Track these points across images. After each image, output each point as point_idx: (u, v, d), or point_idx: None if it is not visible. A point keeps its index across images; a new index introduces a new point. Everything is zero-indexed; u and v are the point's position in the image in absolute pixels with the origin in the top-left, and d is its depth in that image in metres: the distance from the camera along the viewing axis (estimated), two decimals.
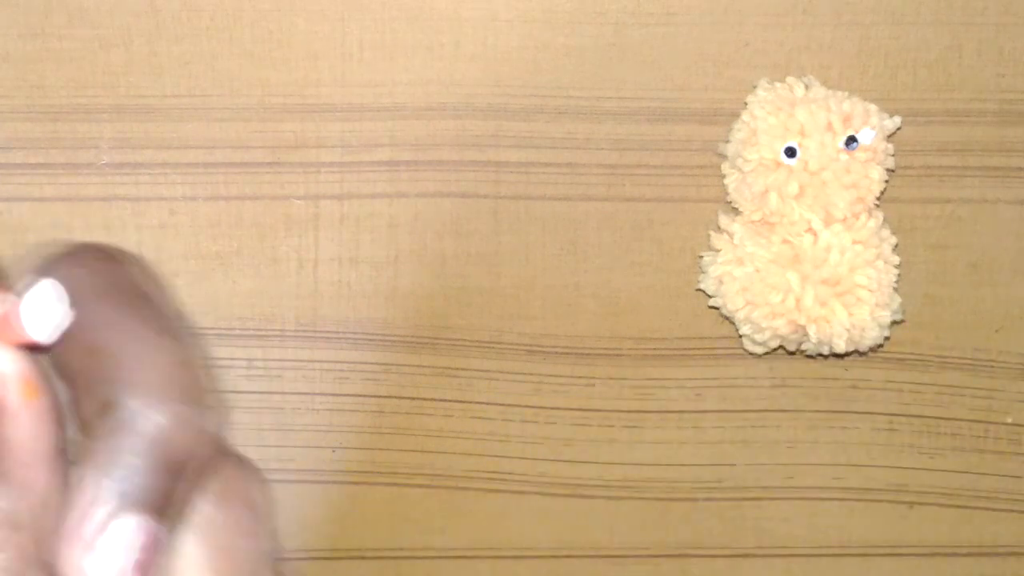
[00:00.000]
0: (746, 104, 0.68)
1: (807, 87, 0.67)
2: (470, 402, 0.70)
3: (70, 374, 0.36)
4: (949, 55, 0.69)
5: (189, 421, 0.36)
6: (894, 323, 0.68)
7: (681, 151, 0.69)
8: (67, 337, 0.35)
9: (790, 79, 0.67)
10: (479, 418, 0.70)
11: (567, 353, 0.70)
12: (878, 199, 0.67)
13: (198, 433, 0.36)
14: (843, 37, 0.68)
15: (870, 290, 0.67)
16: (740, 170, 0.67)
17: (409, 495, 0.70)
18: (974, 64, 0.69)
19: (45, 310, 0.34)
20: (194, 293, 0.69)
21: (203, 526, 0.36)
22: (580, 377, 0.70)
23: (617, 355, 0.70)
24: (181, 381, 0.36)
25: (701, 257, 0.69)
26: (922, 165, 0.70)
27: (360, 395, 0.70)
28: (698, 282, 0.69)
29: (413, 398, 0.70)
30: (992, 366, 0.71)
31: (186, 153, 0.68)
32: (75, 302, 0.35)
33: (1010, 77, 0.69)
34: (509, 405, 0.70)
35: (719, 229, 0.69)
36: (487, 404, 0.70)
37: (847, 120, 0.66)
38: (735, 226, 0.68)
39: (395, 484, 0.70)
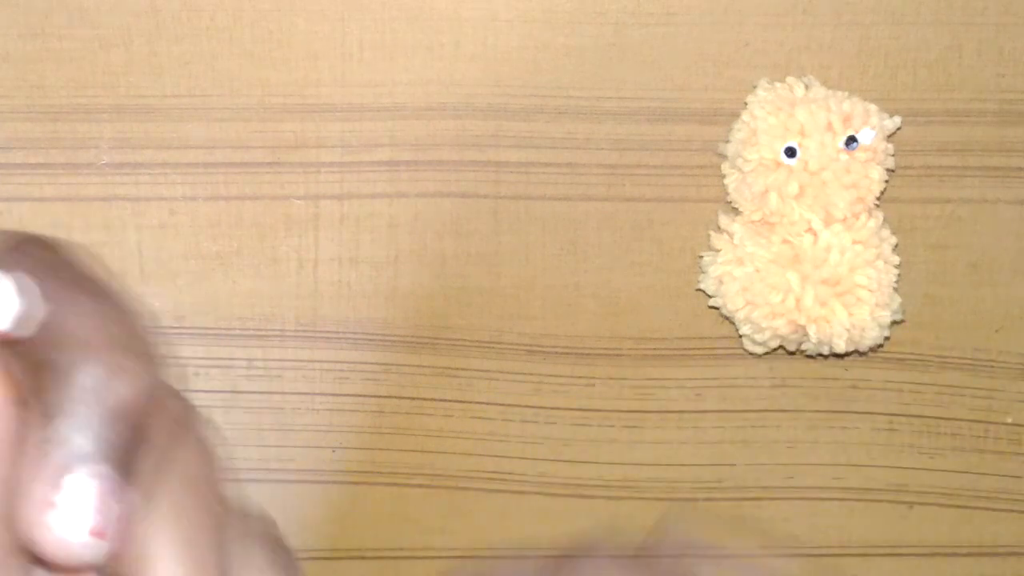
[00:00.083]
0: (746, 104, 0.68)
1: (807, 87, 0.67)
2: (470, 402, 0.70)
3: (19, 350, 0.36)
4: (949, 55, 0.69)
5: (135, 372, 0.36)
6: (894, 323, 0.68)
7: (681, 151, 0.69)
8: None
9: (790, 79, 0.67)
10: (479, 418, 0.70)
11: (567, 353, 0.70)
12: (878, 199, 0.67)
13: (145, 383, 0.37)
14: (843, 37, 0.68)
15: (870, 290, 0.67)
16: (740, 170, 0.67)
17: (409, 495, 0.70)
18: (974, 64, 0.69)
19: (9, 304, 0.35)
20: (194, 293, 0.69)
21: (164, 470, 0.37)
22: (580, 377, 0.70)
23: (617, 355, 0.70)
24: (122, 336, 0.37)
25: (701, 257, 0.69)
26: (922, 165, 0.70)
27: (360, 395, 0.70)
28: (698, 282, 0.69)
29: (413, 398, 0.70)
30: (992, 366, 0.71)
31: (186, 153, 0.68)
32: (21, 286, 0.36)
33: (1010, 77, 0.69)
34: (509, 405, 0.70)
35: (719, 229, 0.69)
36: (487, 404, 0.70)
37: (847, 120, 0.66)
38: (735, 226, 0.68)
39: (395, 484, 0.70)
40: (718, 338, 0.70)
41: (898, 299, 0.68)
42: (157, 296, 0.69)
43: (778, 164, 0.66)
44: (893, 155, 0.68)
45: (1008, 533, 0.72)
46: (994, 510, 0.72)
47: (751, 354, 0.70)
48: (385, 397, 0.70)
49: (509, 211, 0.69)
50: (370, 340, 0.69)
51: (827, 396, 0.71)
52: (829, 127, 0.66)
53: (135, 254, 0.68)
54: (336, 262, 0.69)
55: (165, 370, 0.39)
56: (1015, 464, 0.72)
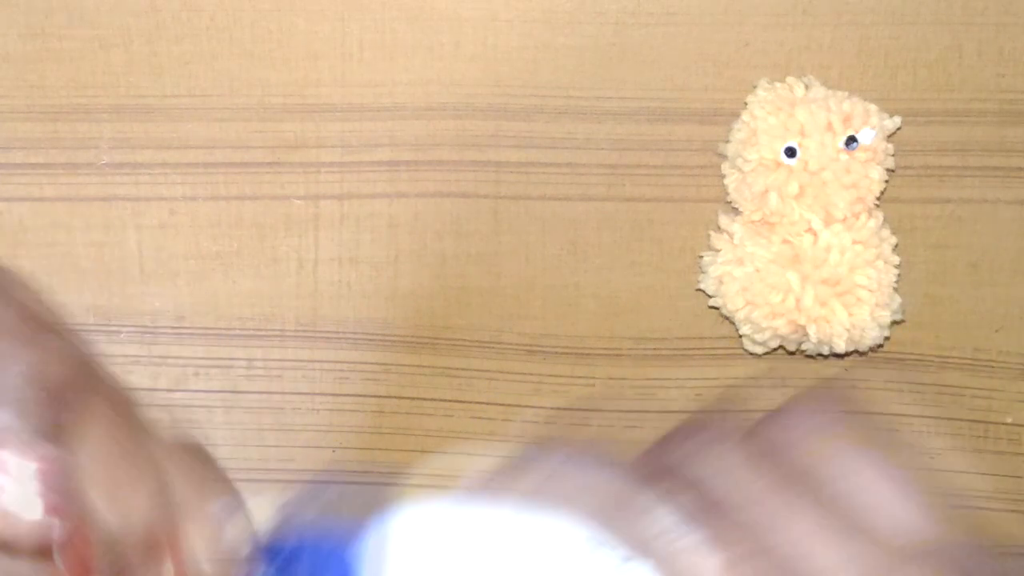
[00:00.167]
0: (746, 104, 0.68)
1: (807, 87, 0.67)
2: (470, 402, 0.70)
3: None
4: (949, 55, 0.69)
5: (58, 349, 0.37)
6: (894, 323, 0.68)
7: (681, 151, 0.69)
8: None
9: (790, 79, 0.67)
10: (479, 418, 0.70)
11: (567, 353, 0.70)
12: (878, 199, 0.67)
13: (69, 358, 0.37)
14: (843, 37, 0.68)
15: (870, 290, 0.67)
16: (740, 170, 0.67)
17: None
18: (974, 64, 0.69)
19: None
20: (194, 293, 0.69)
21: (97, 437, 0.38)
22: (580, 377, 0.70)
23: (617, 355, 0.70)
24: (39, 316, 0.38)
25: (701, 257, 0.69)
26: (922, 165, 0.70)
27: (360, 395, 0.70)
28: (698, 282, 0.69)
29: (413, 398, 0.70)
30: (992, 366, 0.71)
31: (186, 153, 0.68)
32: None
33: (1010, 77, 0.69)
34: (509, 405, 0.70)
35: (719, 229, 0.69)
36: (487, 404, 0.70)
37: (847, 120, 0.66)
38: (735, 226, 0.68)
39: (395, 484, 0.70)
40: (718, 338, 0.70)
41: (898, 299, 0.68)
42: (157, 296, 0.69)
43: (778, 164, 0.66)
44: (893, 155, 0.68)
45: (1008, 533, 0.72)
46: (994, 510, 0.72)
47: (751, 354, 0.70)
48: (385, 397, 0.70)
49: (509, 211, 0.69)
50: (370, 340, 0.69)
51: None
52: (829, 127, 0.66)
53: (135, 254, 0.68)
54: (336, 262, 0.69)
55: (85, 345, 0.39)
56: (1015, 464, 0.72)
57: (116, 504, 0.37)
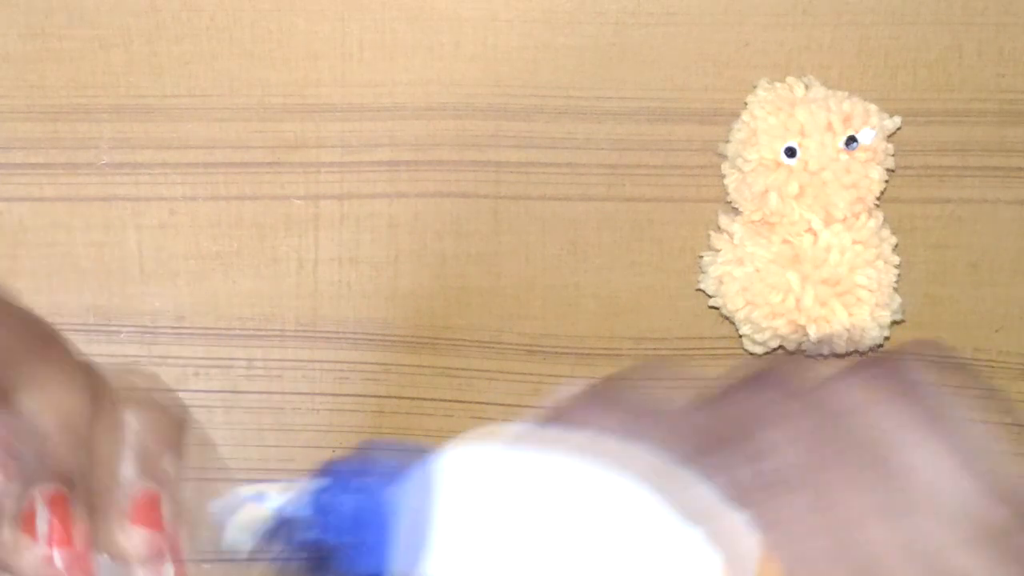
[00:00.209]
0: (746, 104, 0.68)
1: (807, 87, 0.67)
2: (470, 402, 0.70)
3: None
4: (949, 55, 0.69)
5: (64, 389, 0.38)
6: (894, 323, 0.68)
7: (681, 151, 0.69)
8: None
9: (790, 79, 0.67)
10: (479, 418, 0.70)
11: (567, 353, 0.70)
12: (878, 199, 0.67)
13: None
14: (843, 37, 0.68)
15: (870, 290, 0.67)
16: (740, 170, 0.67)
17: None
18: (974, 64, 0.69)
19: None
20: (194, 293, 0.69)
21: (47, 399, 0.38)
22: (580, 377, 0.70)
23: (617, 355, 0.70)
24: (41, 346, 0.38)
25: (701, 257, 0.69)
26: (922, 165, 0.70)
27: (360, 395, 0.70)
28: (698, 282, 0.69)
29: (413, 398, 0.70)
30: (992, 366, 0.71)
31: (186, 153, 0.68)
32: None
33: (1010, 77, 0.69)
34: (509, 405, 0.70)
35: (719, 229, 0.69)
36: (487, 404, 0.70)
37: (847, 120, 0.66)
38: (735, 226, 0.68)
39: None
40: (718, 338, 0.70)
41: (898, 299, 0.68)
42: (157, 296, 0.69)
43: (778, 164, 0.66)
44: (893, 155, 0.68)
45: None
46: None
47: (751, 354, 0.70)
48: (385, 397, 0.70)
49: (509, 211, 0.69)
50: (370, 340, 0.69)
51: None
52: (829, 127, 0.66)
53: (135, 254, 0.68)
54: (336, 262, 0.69)
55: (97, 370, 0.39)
56: (1015, 464, 0.72)
57: (73, 458, 0.38)
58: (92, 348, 0.43)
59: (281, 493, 0.39)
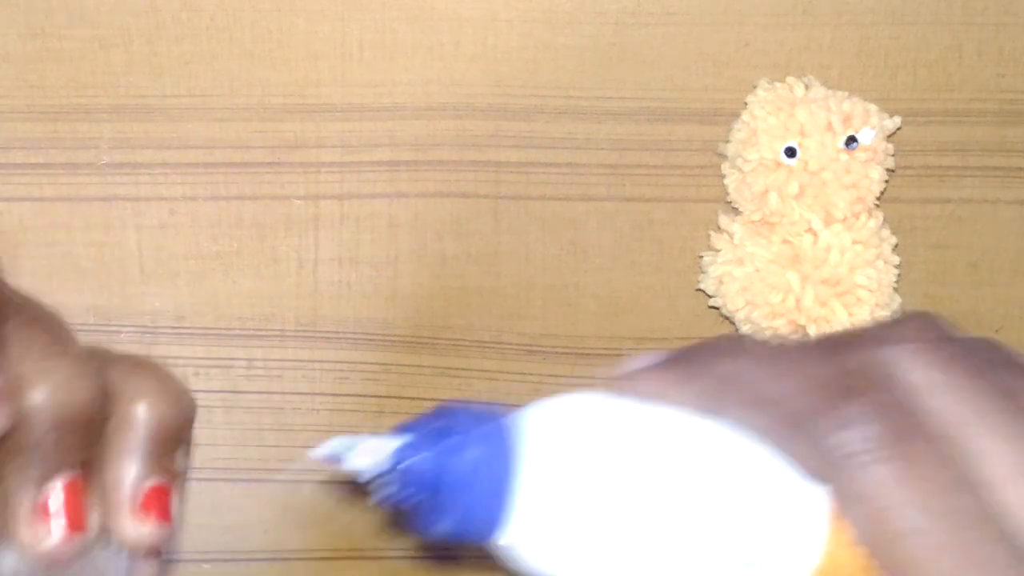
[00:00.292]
0: (746, 104, 0.68)
1: (807, 87, 0.67)
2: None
3: None
4: (949, 55, 0.69)
5: (67, 380, 0.39)
6: None
7: (681, 151, 0.69)
8: None
9: (790, 79, 0.67)
10: None
11: (567, 353, 0.70)
12: (878, 199, 0.67)
13: (80, 383, 0.39)
14: (843, 37, 0.68)
15: (870, 290, 0.67)
16: (740, 170, 0.67)
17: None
18: (974, 64, 0.69)
19: None
20: (194, 293, 0.69)
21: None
22: (580, 377, 0.70)
23: (617, 355, 0.70)
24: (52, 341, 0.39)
25: (701, 257, 0.69)
26: (922, 165, 0.70)
27: (360, 395, 0.70)
28: (698, 282, 0.69)
29: (413, 398, 0.70)
30: None
31: (186, 153, 0.68)
32: None
33: (1010, 77, 0.69)
34: (509, 405, 0.70)
35: (719, 229, 0.69)
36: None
37: (847, 120, 0.66)
38: (735, 226, 0.68)
39: None
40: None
41: (898, 299, 0.68)
42: (157, 296, 0.69)
43: (778, 164, 0.66)
44: (893, 155, 0.68)
45: None
46: None
47: None
48: (385, 397, 0.70)
49: (509, 211, 0.69)
50: (370, 340, 0.69)
51: None
52: (829, 127, 0.66)
53: (135, 254, 0.68)
54: (336, 262, 0.69)
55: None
56: None
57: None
58: None
59: (367, 448, 0.39)
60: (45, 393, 0.38)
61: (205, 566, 0.70)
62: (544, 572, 0.39)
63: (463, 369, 0.70)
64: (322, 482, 0.70)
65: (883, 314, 0.67)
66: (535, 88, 0.68)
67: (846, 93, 0.67)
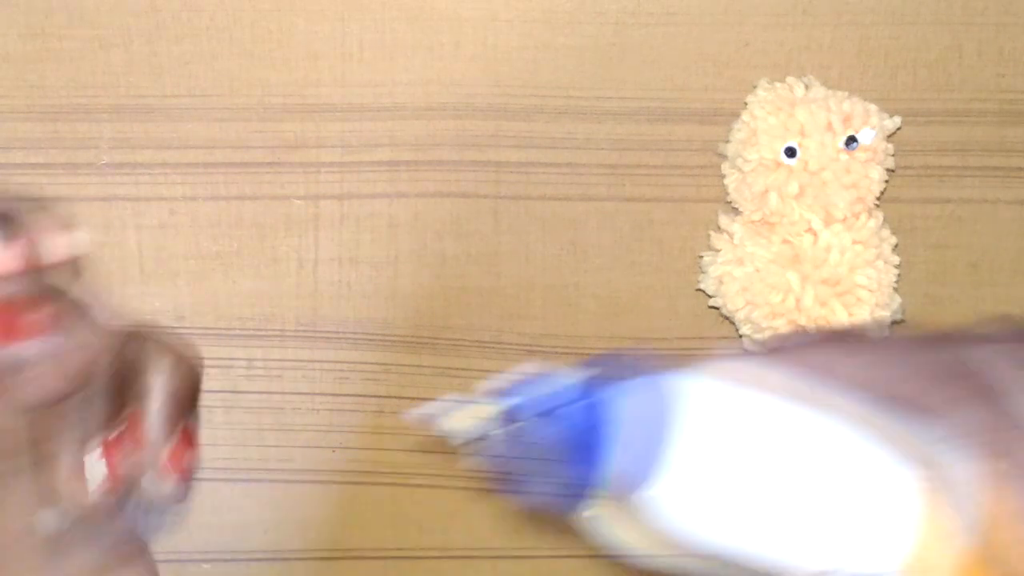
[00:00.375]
0: (746, 104, 0.68)
1: (807, 87, 0.67)
2: None
3: None
4: (949, 55, 0.69)
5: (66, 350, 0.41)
6: (894, 323, 0.68)
7: (681, 151, 0.69)
8: None
9: (790, 79, 0.67)
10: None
11: (567, 353, 0.70)
12: (878, 199, 0.67)
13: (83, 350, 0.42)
14: (843, 37, 0.69)
15: (870, 290, 0.67)
16: (740, 170, 0.67)
17: (409, 495, 0.70)
18: (974, 64, 0.69)
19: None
20: (194, 293, 0.69)
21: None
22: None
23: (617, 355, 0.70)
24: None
25: (701, 257, 0.69)
26: (922, 165, 0.70)
27: (360, 395, 0.70)
28: (698, 282, 0.69)
29: (413, 398, 0.70)
30: None
31: (186, 153, 0.68)
32: None
33: (1010, 77, 0.69)
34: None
35: (719, 229, 0.69)
36: None
37: (847, 120, 0.66)
38: (735, 226, 0.68)
39: (395, 484, 0.70)
40: (718, 338, 0.70)
41: (898, 299, 0.68)
42: (157, 296, 0.69)
43: (778, 164, 0.66)
44: (893, 155, 0.68)
45: None
46: None
47: None
48: (385, 397, 0.70)
49: (509, 211, 0.69)
50: (370, 340, 0.69)
51: None
52: (829, 127, 0.66)
53: (135, 254, 0.68)
54: (336, 262, 0.69)
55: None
56: None
57: None
58: None
59: (507, 392, 0.42)
60: (94, 364, 0.41)
61: (205, 566, 0.70)
62: (677, 528, 0.42)
63: (463, 369, 0.70)
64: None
65: (883, 314, 0.67)
66: (535, 88, 0.68)
67: (846, 93, 0.67)
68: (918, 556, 0.40)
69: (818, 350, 0.42)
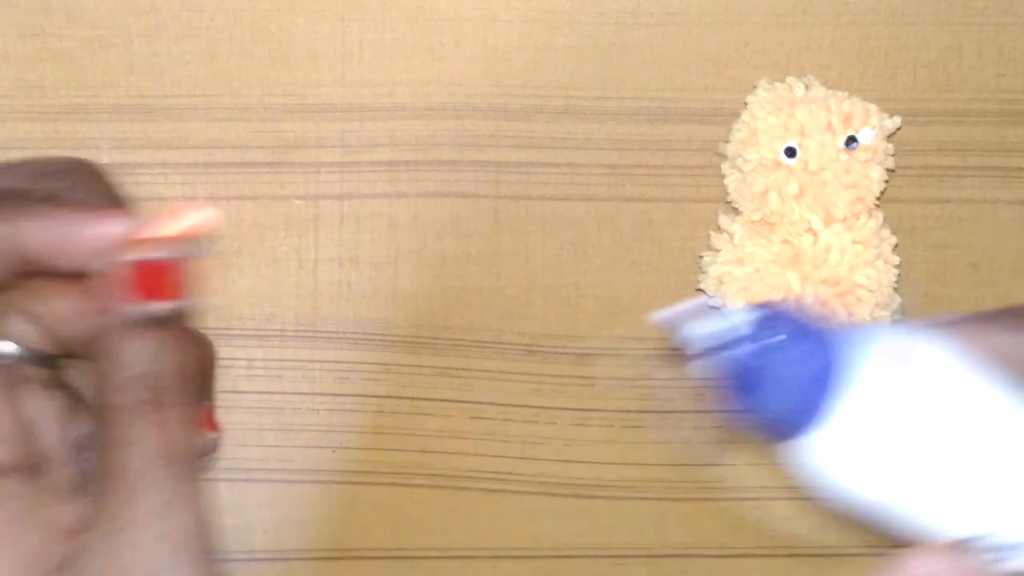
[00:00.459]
0: (746, 104, 0.68)
1: (807, 87, 0.67)
2: (470, 402, 0.70)
3: None
4: (949, 55, 0.69)
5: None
6: (894, 323, 0.68)
7: (681, 151, 0.69)
8: None
9: (790, 79, 0.67)
10: (479, 418, 0.70)
11: (567, 353, 0.70)
12: (878, 199, 0.67)
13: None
14: (843, 37, 0.68)
15: (870, 290, 0.67)
16: (740, 170, 0.67)
17: (409, 495, 0.70)
18: (974, 64, 0.69)
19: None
20: None
21: None
22: (580, 377, 0.70)
23: (617, 355, 0.70)
24: None
25: (701, 257, 0.69)
26: (922, 165, 0.70)
27: (360, 395, 0.70)
28: (698, 282, 0.69)
29: (413, 398, 0.70)
30: None
31: (186, 153, 0.68)
32: None
33: (1010, 77, 0.69)
34: (509, 405, 0.70)
35: (719, 229, 0.69)
36: (487, 404, 0.70)
37: (847, 120, 0.66)
38: (735, 226, 0.68)
39: (395, 484, 0.70)
40: None
41: (898, 299, 0.68)
42: None
43: (778, 164, 0.66)
44: (893, 155, 0.68)
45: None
46: None
47: None
48: (385, 397, 0.70)
49: (509, 211, 0.69)
50: (370, 340, 0.69)
51: None
52: (829, 127, 0.66)
53: None
54: (336, 262, 0.69)
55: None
56: None
57: None
58: None
59: (736, 318, 0.43)
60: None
61: None
62: (832, 480, 0.43)
63: (463, 369, 0.70)
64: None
65: (883, 314, 0.67)
66: (535, 88, 0.68)
67: (846, 93, 0.67)
68: None
69: (989, 326, 0.44)
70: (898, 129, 0.68)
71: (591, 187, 0.69)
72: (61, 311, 0.42)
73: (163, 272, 0.40)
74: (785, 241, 0.67)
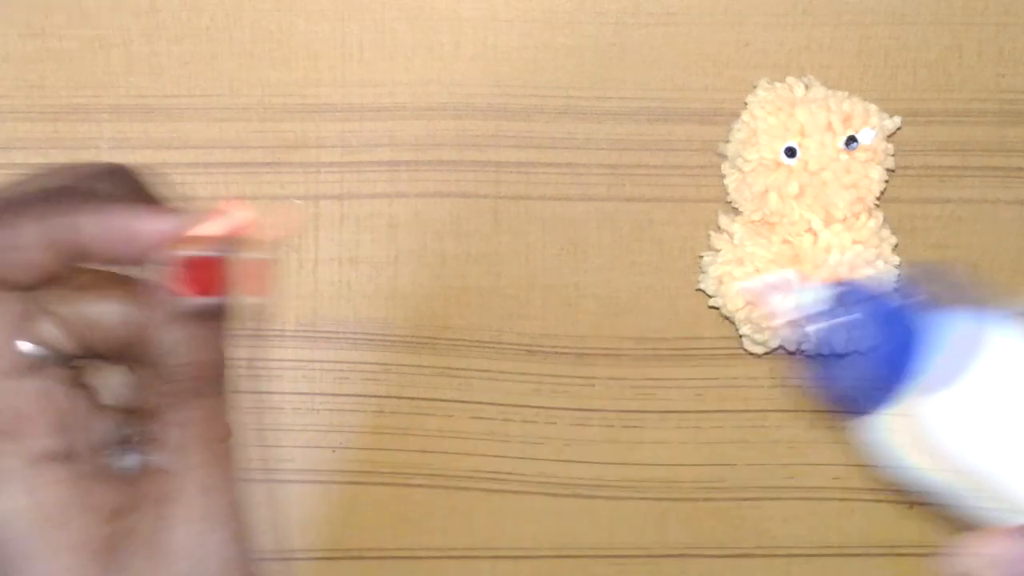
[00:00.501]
0: (746, 104, 0.68)
1: (807, 87, 0.67)
2: (470, 402, 0.70)
3: None
4: (949, 55, 0.69)
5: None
6: None
7: (681, 151, 0.69)
8: None
9: (790, 79, 0.67)
10: (479, 418, 0.70)
11: (567, 353, 0.70)
12: (878, 199, 0.67)
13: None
14: (843, 37, 0.68)
15: None
16: (740, 170, 0.67)
17: (409, 495, 0.70)
18: (974, 64, 0.69)
19: None
20: None
21: None
22: (580, 377, 0.70)
23: (617, 355, 0.70)
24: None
25: (701, 257, 0.69)
26: (922, 165, 0.70)
27: (360, 395, 0.70)
28: (698, 282, 0.69)
29: (413, 398, 0.70)
30: None
31: (186, 153, 0.68)
32: None
33: (1010, 77, 0.69)
34: (509, 405, 0.70)
35: (719, 229, 0.69)
36: (487, 404, 0.70)
37: (847, 120, 0.66)
38: (735, 226, 0.68)
39: (395, 484, 0.70)
40: (718, 338, 0.70)
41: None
42: None
43: (778, 164, 0.66)
44: (893, 155, 0.68)
45: None
46: None
47: (751, 354, 0.70)
48: (385, 397, 0.70)
49: (509, 211, 0.69)
50: (370, 340, 0.69)
51: None
52: (829, 127, 0.66)
53: None
54: (336, 262, 0.69)
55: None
56: None
57: None
58: None
59: (820, 292, 0.44)
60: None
61: None
62: (952, 444, 0.44)
63: (463, 369, 0.70)
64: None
65: None
66: (535, 88, 0.68)
67: (846, 93, 0.67)
68: None
69: None
70: (898, 129, 0.68)
71: (591, 187, 0.69)
72: (90, 314, 0.43)
73: (212, 268, 0.42)
74: (785, 241, 0.67)
